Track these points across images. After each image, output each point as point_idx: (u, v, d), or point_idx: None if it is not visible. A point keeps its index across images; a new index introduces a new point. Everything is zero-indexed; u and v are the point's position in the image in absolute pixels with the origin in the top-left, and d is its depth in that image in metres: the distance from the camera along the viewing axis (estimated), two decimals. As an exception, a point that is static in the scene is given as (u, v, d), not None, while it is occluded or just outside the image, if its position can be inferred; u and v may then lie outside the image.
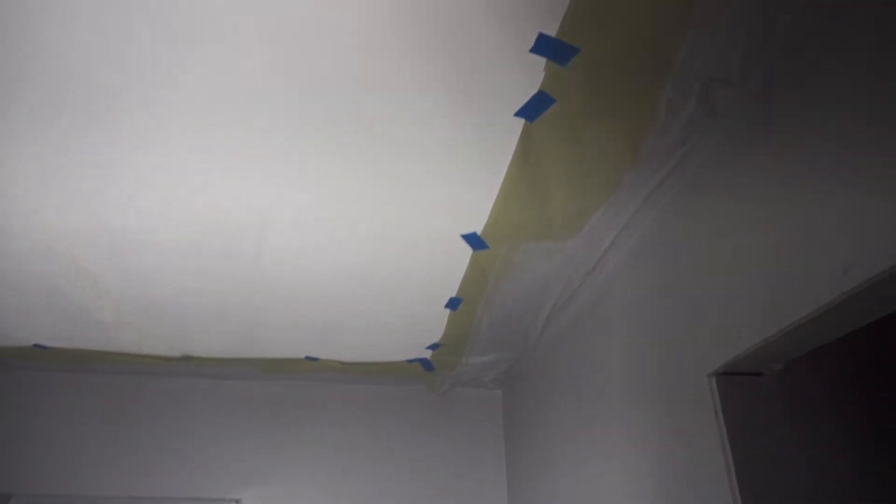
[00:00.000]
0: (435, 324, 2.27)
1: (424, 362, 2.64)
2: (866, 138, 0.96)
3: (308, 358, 2.58)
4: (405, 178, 1.48)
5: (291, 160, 1.43)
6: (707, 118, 1.29)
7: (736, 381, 1.29)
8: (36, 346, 2.41)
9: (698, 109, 1.26)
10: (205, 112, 1.29)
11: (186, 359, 2.55)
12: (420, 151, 1.39)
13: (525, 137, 1.33)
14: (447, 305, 2.12)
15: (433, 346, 2.48)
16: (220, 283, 1.96)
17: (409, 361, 2.63)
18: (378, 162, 1.43)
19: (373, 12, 1.07)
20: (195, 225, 1.66)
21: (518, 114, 1.27)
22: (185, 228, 1.68)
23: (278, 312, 2.18)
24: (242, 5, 1.06)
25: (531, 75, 1.18)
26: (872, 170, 0.94)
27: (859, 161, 0.97)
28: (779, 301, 1.11)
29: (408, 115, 1.29)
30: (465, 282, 1.95)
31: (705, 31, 1.09)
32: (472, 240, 1.73)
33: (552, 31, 1.08)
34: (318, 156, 1.41)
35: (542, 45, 1.11)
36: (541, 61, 1.15)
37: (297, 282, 1.96)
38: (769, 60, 1.16)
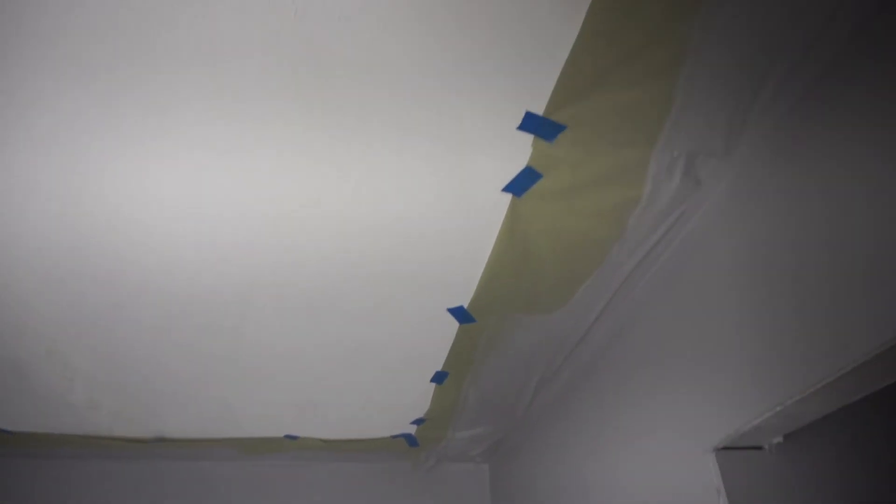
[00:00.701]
0: (420, 399, 2.21)
1: (409, 438, 2.55)
2: (854, 207, 0.97)
3: (287, 437, 2.49)
4: (391, 253, 1.46)
5: (276, 233, 1.40)
6: (693, 189, 1.30)
7: (737, 455, 1.25)
8: (-1, 430, 2.29)
9: (684, 181, 1.27)
10: (187, 180, 1.27)
11: (161, 440, 2.43)
12: (408, 225, 1.38)
13: (513, 211, 1.33)
14: (433, 380, 2.06)
15: (418, 422, 2.40)
16: (197, 360, 1.90)
17: (394, 437, 2.55)
18: (365, 235, 1.41)
19: (362, 84, 1.07)
20: (175, 301, 1.61)
21: (506, 189, 1.27)
22: (164, 305, 1.63)
23: (257, 390, 2.10)
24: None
25: (519, 151, 1.19)
26: (866, 241, 0.94)
27: (851, 232, 0.97)
28: (777, 374, 1.09)
29: (395, 190, 1.28)
30: (452, 355, 1.91)
31: (690, 105, 1.11)
32: (459, 313, 1.70)
33: (539, 109, 1.10)
34: (303, 234, 1.39)
35: (529, 123, 1.12)
36: (528, 138, 1.15)
37: (278, 358, 1.91)
38: (753, 132, 1.18)
